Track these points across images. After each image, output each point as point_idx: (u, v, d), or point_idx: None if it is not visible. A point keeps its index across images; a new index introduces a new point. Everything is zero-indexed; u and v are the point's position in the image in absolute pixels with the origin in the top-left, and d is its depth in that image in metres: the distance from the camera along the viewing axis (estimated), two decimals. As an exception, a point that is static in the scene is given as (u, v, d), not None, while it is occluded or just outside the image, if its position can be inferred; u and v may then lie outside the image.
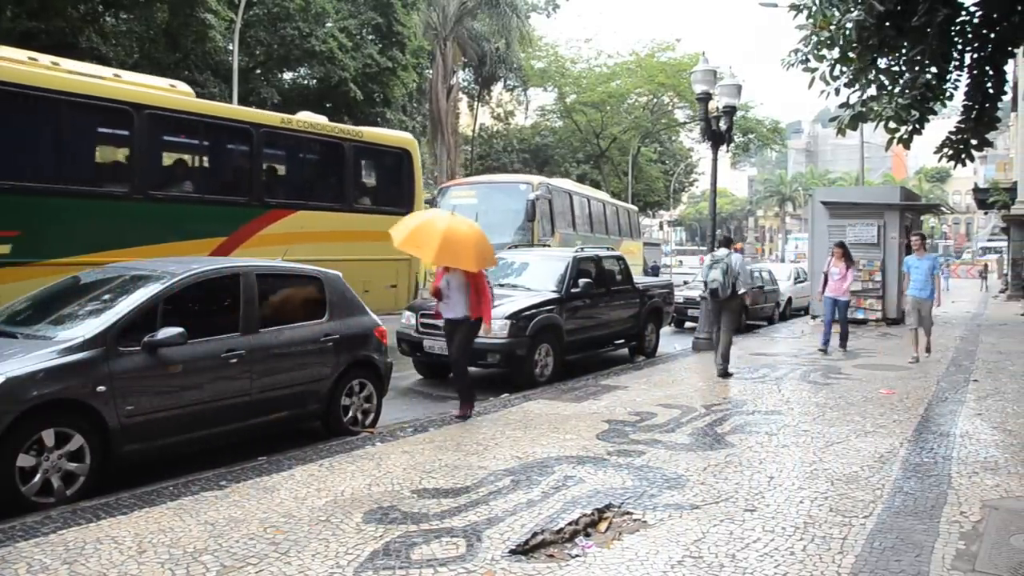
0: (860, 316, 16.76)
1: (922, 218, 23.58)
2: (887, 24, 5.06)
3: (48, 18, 17.32)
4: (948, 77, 5.37)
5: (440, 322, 9.12)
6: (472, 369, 9.93)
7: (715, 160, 12.99)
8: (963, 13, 5.15)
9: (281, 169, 11.13)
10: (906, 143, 5.66)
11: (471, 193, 16.12)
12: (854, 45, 5.14)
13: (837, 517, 4.47)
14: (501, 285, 10.26)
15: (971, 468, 5.55)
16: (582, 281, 10.01)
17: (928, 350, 11.39)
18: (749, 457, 5.80)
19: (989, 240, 66.36)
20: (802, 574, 3.69)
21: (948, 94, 5.52)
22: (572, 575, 3.67)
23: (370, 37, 25.85)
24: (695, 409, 7.55)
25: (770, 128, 44.79)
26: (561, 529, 4.17)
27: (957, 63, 5.36)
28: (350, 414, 6.66)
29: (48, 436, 4.59)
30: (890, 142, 5.65)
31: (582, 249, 11.19)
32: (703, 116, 12.59)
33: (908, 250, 17.21)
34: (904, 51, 5.34)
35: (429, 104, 35.15)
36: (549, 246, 14.49)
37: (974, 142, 5.36)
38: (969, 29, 5.19)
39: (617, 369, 10.26)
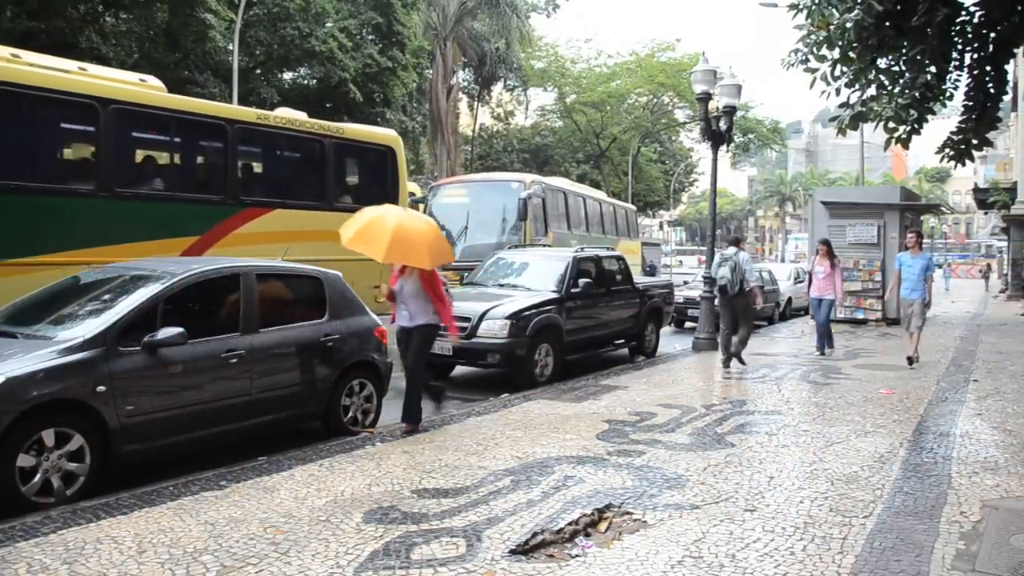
0: (860, 316, 16.78)
1: (922, 218, 23.59)
2: (887, 24, 5.05)
3: (48, 18, 17.32)
4: (948, 77, 5.37)
5: (442, 324, 9.20)
6: (472, 369, 10.02)
7: (715, 160, 12.99)
8: (963, 13, 5.15)
9: (257, 166, 10.79)
10: (904, 143, 5.66)
11: (462, 192, 15.92)
12: (854, 45, 5.14)
13: (837, 517, 4.47)
14: (501, 285, 10.29)
15: (971, 468, 5.55)
16: (582, 281, 10.01)
17: (916, 355, 10.55)
18: (749, 457, 5.80)
19: (991, 235, 66.34)
20: (802, 574, 3.69)
21: (948, 94, 5.51)
22: (572, 575, 3.67)
23: (370, 37, 25.85)
24: (695, 409, 7.55)
25: (770, 128, 44.80)
26: (561, 529, 4.17)
27: (957, 63, 5.36)
28: (350, 414, 6.66)
29: (48, 436, 4.59)
30: (888, 142, 5.65)
31: (582, 249, 11.19)
32: (703, 116, 12.59)
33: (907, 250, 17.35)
34: (904, 51, 5.33)
35: (429, 104, 35.16)
36: (550, 246, 14.41)
37: (975, 142, 5.35)
38: (969, 29, 5.19)
39: (617, 369, 10.26)
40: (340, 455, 5.70)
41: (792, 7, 5.36)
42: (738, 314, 10.30)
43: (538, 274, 10.35)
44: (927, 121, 5.42)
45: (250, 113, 10.30)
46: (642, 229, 54.50)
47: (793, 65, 5.39)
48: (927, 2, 4.77)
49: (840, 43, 5.15)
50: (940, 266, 50.42)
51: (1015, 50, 5.50)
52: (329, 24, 23.96)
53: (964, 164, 5.57)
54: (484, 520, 4.31)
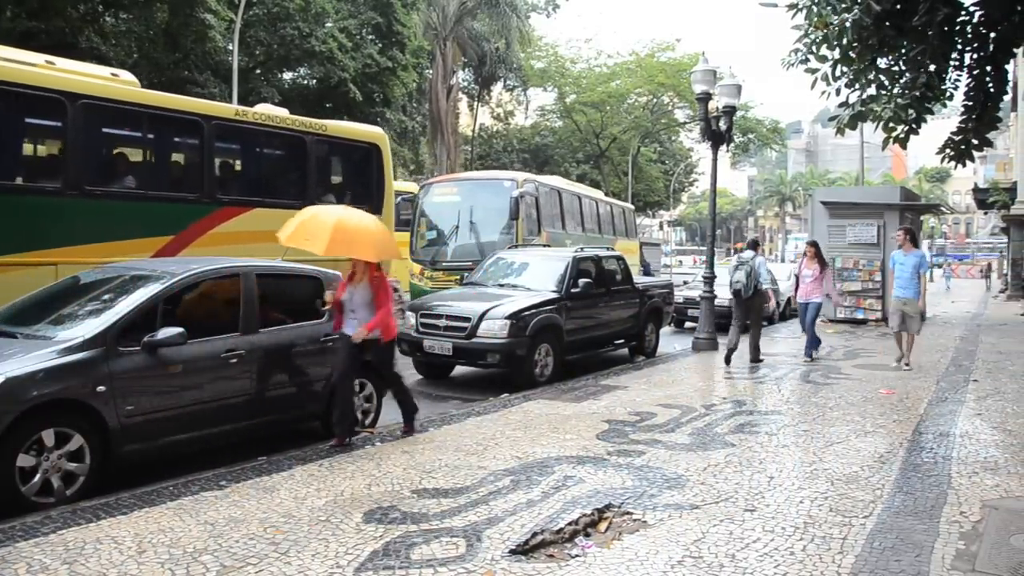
0: (860, 316, 16.78)
1: (922, 218, 23.59)
2: (887, 24, 5.06)
3: (48, 18, 17.32)
4: (947, 77, 5.37)
5: (442, 323, 9.21)
6: (472, 369, 10.03)
7: (715, 160, 12.98)
8: (963, 13, 5.15)
9: (236, 164, 10.52)
10: (902, 143, 5.66)
11: (453, 190, 15.57)
12: (854, 45, 5.14)
13: (837, 517, 4.47)
14: (501, 285, 10.29)
15: (971, 468, 5.55)
16: (582, 281, 10.01)
17: (907, 361, 10.33)
18: (749, 457, 5.80)
19: (991, 234, 66.34)
20: (802, 574, 3.69)
21: (948, 94, 5.52)
22: (572, 575, 3.67)
23: (370, 37, 25.85)
24: (695, 409, 7.55)
25: (770, 128, 44.82)
26: (561, 529, 4.17)
27: (957, 63, 5.36)
28: (350, 414, 6.65)
29: (48, 436, 4.59)
30: (886, 141, 5.65)
31: (582, 249, 11.19)
32: (703, 116, 12.57)
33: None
34: (904, 51, 5.33)
35: (429, 104, 35.17)
36: (547, 246, 14.33)
37: (975, 142, 5.35)
38: (969, 29, 5.19)
39: (617, 369, 10.26)
40: (340, 455, 5.71)
41: (791, 7, 5.36)
42: (750, 313, 10.85)
43: (538, 274, 10.35)
44: (925, 121, 5.42)
45: (227, 109, 10.06)
46: (642, 229, 54.59)
47: (793, 65, 5.40)
48: (928, 2, 4.77)
49: (839, 43, 5.15)
50: (940, 266, 50.57)
51: (1015, 50, 5.50)
52: (329, 24, 23.96)
53: (964, 164, 5.57)
54: (484, 520, 4.31)
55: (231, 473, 5.16)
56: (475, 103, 44.01)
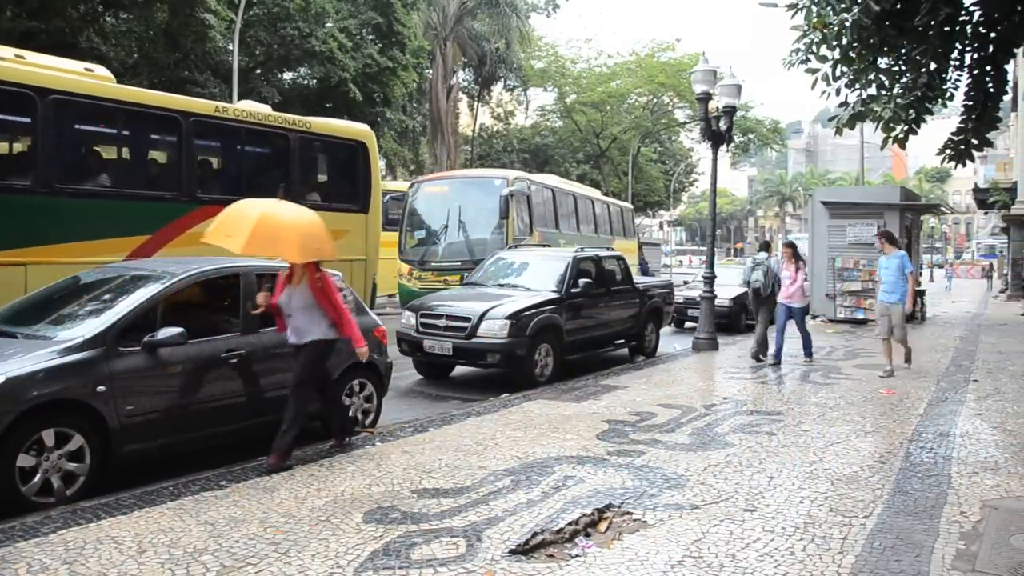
0: (860, 316, 16.78)
1: (922, 218, 23.59)
2: (887, 24, 5.06)
3: (48, 18, 17.32)
4: (948, 77, 5.37)
5: (442, 322, 9.21)
6: (472, 369, 10.02)
7: (715, 160, 12.98)
8: (963, 13, 5.15)
9: (215, 162, 10.35)
10: (901, 143, 5.67)
11: (443, 189, 15.40)
12: (854, 45, 5.14)
13: (837, 517, 4.47)
14: (501, 285, 10.29)
15: (971, 468, 5.55)
16: (582, 281, 10.01)
17: (908, 360, 10.19)
18: (749, 457, 5.80)
19: (991, 236, 66.33)
20: (802, 574, 3.69)
21: (948, 94, 5.52)
22: (572, 575, 3.67)
23: (370, 37, 25.86)
24: (695, 409, 7.55)
25: (770, 128, 44.83)
26: (561, 529, 4.17)
27: (957, 63, 5.36)
28: (350, 414, 6.65)
29: (48, 436, 4.59)
30: (885, 141, 5.65)
31: (582, 249, 11.19)
32: (703, 116, 12.57)
33: (908, 250, 17.37)
34: (904, 51, 5.34)
35: (429, 104, 35.17)
36: (544, 245, 14.24)
37: (975, 142, 5.36)
38: (969, 29, 5.19)
39: (617, 369, 10.26)
40: (340, 455, 5.71)
41: (791, 7, 5.36)
42: (766, 310, 11.26)
43: (538, 274, 10.35)
44: (925, 121, 5.43)
45: (207, 106, 9.81)
46: (642, 229, 54.57)
47: (794, 65, 5.40)
48: (930, 1, 4.77)
49: (838, 43, 5.15)
50: (941, 266, 50.59)
51: (1015, 50, 5.50)
52: (329, 24, 23.96)
53: (964, 164, 5.58)
54: (484, 520, 4.31)
55: (231, 473, 5.16)
56: (475, 103, 44.01)
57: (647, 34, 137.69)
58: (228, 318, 5.89)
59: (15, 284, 7.11)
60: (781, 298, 11.02)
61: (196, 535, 4.05)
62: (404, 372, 9.66)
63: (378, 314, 8.28)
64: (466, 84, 43.22)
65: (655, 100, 42.81)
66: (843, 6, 5.11)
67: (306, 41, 22.63)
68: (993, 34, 5.19)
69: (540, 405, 7.67)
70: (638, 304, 11.60)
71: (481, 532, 4.12)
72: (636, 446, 6.04)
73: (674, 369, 10.45)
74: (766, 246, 12.06)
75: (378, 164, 12.19)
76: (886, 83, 5.49)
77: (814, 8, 5.24)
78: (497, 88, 44.66)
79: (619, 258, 12.02)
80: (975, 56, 5.27)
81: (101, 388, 4.82)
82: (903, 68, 5.45)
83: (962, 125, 5.38)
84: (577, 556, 3.88)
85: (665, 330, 13.48)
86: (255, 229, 5.37)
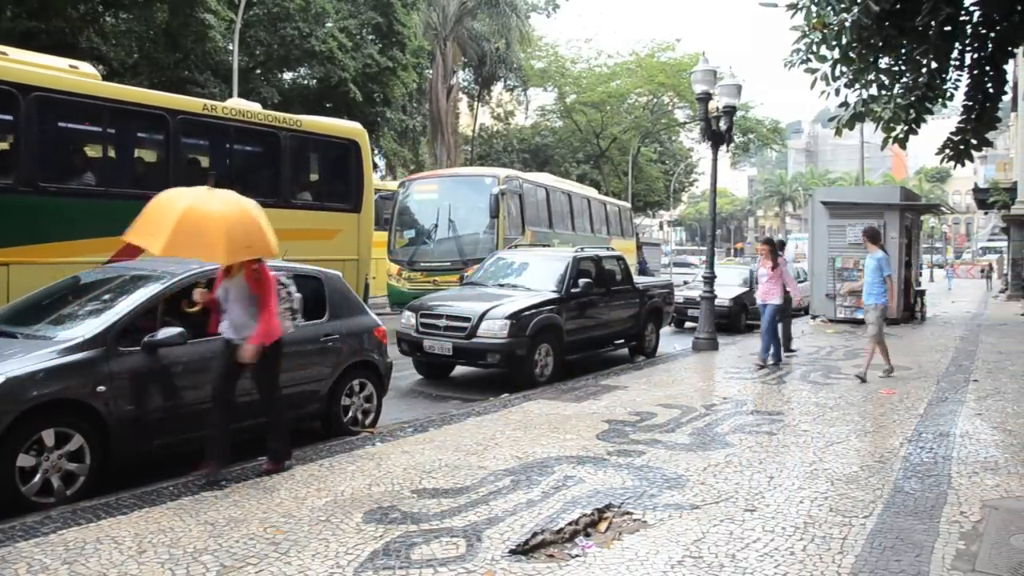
0: (860, 316, 16.75)
1: (922, 218, 23.59)
2: (887, 23, 5.06)
3: (48, 18, 17.31)
4: (947, 76, 5.38)
5: (442, 322, 9.20)
6: (472, 369, 10.02)
7: (715, 160, 12.98)
8: (963, 13, 5.15)
9: (204, 160, 10.24)
10: (902, 143, 5.67)
11: (433, 187, 15.22)
12: (854, 45, 5.14)
13: (837, 517, 4.47)
14: (501, 285, 10.29)
15: (971, 468, 5.55)
16: (582, 281, 10.01)
17: (887, 368, 9.68)
18: (749, 457, 5.80)
19: (989, 240, 66.41)
20: (802, 574, 3.69)
21: (948, 94, 5.52)
22: (572, 575, 3.67)
23: (370, 37, 25.85)
24: (695, 409, 7.55)
25: (770, 128, 44.84)
26: (561, 529, 4.17)
27: (957, 63, 5.36)
28: (350, 414, 6.66)
29: (48, 436, 4.59)
30: (885, 141, 5.66)
31: (582, 249, 11.20)
32: (703, 116, 12.57)
33: (908, 250, 17.39)
34: (905, 50, 5.34)
35: (429, 104, 35.16)
36: (548, 246, 14.17)
37: (974, 142, 5.36)
38: (969, 29, 5.20)
39: (617, 369, 10.26)
40: (340, 455, 5.71)
41: (791, 7, 5.36)
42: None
43: (538, 274, 10.35)
44: (925, 121, 5.43)
45: (195, 103, 9.71)
46: (642, 229, 54.52)
47: (794, 65, 5.40)
48: (931, 1, 4.77)
49: (837, 43, 5.15)
50: (941, 266, 50.61)
51: (1015, 50, 5.50)
52: (329, 24, 23.95)
53: (964, 164, 5.58)
54: (484, 520, 4.31)
55: (231, 473, 5.16)
56: (475, 103, 44.01)
57: (647, 34, 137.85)
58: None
59: None
60: (759, 297, 10.86)
61: (196, 535, 4.06)
62: (404, 372, 9.67)
63: (377, 314, 8.27)
64: (466, 84, 43.23)
65: (655, 100, 42.81)
66: (843, 6, 5.11)
67: (306, 41, 22.63)
68: (993, 34, 5.19)
69: (540, 405, 7.67)
70: (638, 304, 11.60)
71: (481, 532, 4.12)
72: (636, 446, 6.05)
73: (674, 369, 10.45)
74: (780, 245, 12.40)
75: (371, 163, 12.05)
76: (886, 83, 5.49)
77: (814, 8, 5.25)
78: (497, 88, 44.68)
79: (619, 258, 12.02)
80: (975, 56, 5.28)
81: (101, 388, 4.82)
82: (903, 68, 5.46)
83: (961, 125, 5.38)
84: (577, 556, 3.88)
85: (665, 330, 13.48)
86: (177, 226, 4.69)
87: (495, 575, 3.63)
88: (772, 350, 10.63)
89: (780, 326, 11.09)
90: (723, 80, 12.65)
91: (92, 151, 9.08)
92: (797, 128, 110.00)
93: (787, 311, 11.48)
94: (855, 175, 54.52)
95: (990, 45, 5.21)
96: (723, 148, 13.15)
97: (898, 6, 5.03)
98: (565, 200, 17.79)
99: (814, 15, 5.22)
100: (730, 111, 12.55)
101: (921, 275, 22.30)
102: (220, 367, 5.20)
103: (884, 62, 5.50)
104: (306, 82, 26.54)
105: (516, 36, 36.03)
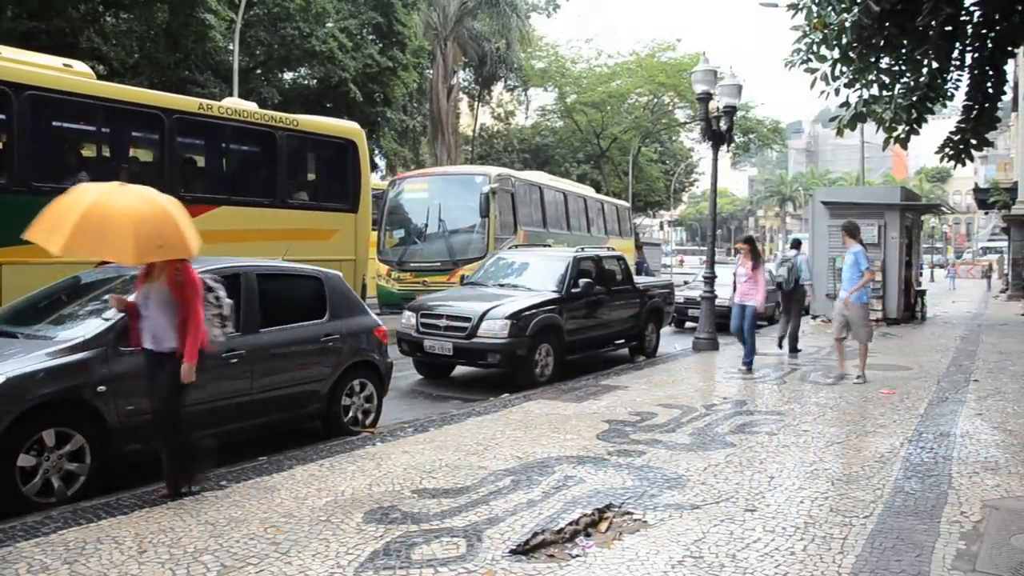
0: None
1: (923, 218, 23.58)
2: (888, 23, 5.06)
3: (48, 18, 17.32)
4: (948, 76, 5.38)
5: (442, 322, 9.20)
6: (472, 369, 10.02)
7: (715, 160, 12.97)
8: (963, 13, 5.15)
9: (200, 160, 10.22)
10: (903, 143, 5.67)
11: (423, 186, 14.96)
12: (854, 45, 5.15)
13: (837, 517, 4.47)
14: (501, 285, 10.29)
15: (971, 468, 5.54)
16: (582, 281, 10.02)
17: (860, 373, 9.24)
18: (749, 457, 5.80)
19: (990, 240, 66.41)
20: (802, 574, 3.69)
21: (948, 94, 5.52)
22: (572, 575, 3.67)
23: (370, 37, 25.85)
24: (695, 409, 7.55)
25: (770, 128, 44.80)
26: (561, 529, 4.17)
27: (957, 63, 5.37)
28: (350, 414, 6.66)
29: (48, 436, 4.59)
30: (887, 141, 5.66)
31: (582, 249, 11.20)
32: (703, 116, 12.56)
33: (908, 250, 17.38)
34: (905, 50, 5.34)
35: (429, 104, 35.17)
36: (545, 246, 14.02)
37: (974, 142, 5.36)
38: (969, 29, 5.20)
39: (617, 369, 10.26)
40: (340, 455, 5.71)
41: (791, 7, 5.37)
42: (791, 305, 12.02)
43: (538, 274, 10.35)
44: (926, 121, 5.43)
45: (190, 103, 9.65)
46: (642, 229, 54.47)
47: (795, 65, 5.40)
48: (932, 1, 4.77)
49: (838, 43, 5.15)
50: (942, 266, 50.62)
51: (1015, 50, 5.50)
52: (329, 24, 23.95)
53: (963, 164, 5.59)
54: (484, 520, 4.31)
55: (231, 473, 5.16)
56: (475, 103, 44.01)
57: (648, 34, 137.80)
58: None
59: None
60: (736, 297, 10.13)
61: (197, 535, 4.06)
62: (404, 372, 9.67)
63: (377, 314, 8.27)
64: (466, 84, 43.23)
65: (655, 100, 42.79)
66: (843, 6, 5.11)
67: (306, 41, 22.63)
68: (993, 34, 5.19)
69: (540, 405, 7.67)
70: (638, 304, 11.60)
71: (481, 532, 4.12)
72: (636, 446, 6.04)
73: (674, 369, 10.45)
74: (797, 244, 13.08)
75: (368, 163, 12.00)
76: (887, 83, 5.49)
77: (814, 8, 5.25)
78: (497, 88, 44.67)
79: (619, 258, 12.02)
80: (975, 56, 5.28)
81: (102, 388, 4.82)
82: (904, 68, 5.46)
83: (961, 125, 5.38)
84: (577, 556, 3.88)
85: (665, 330, 13.48)
86: (79, 223, 4.25)
87: (495, 575, 3.63)
88: (748, 356, 9.93)
89: (797, 320, 11.99)
90: (723, 80, 12.65)
91: (87, 151, 9.05)
92: (798, 128, 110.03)
93: (801, 306, 12.11)
94: (855, 175, 54.49)
95: (990, 45, 5.21)
96: (723, 148, 13.16)
97: (898, 6, 5.03)
98: (560, 199, 17.53)
99: (815, 15, 5.23)
100: (730, 111, 12.55)
101: (921, 275, 22.28)
102: (149, 385, 4.73)
103: (885, 62, 5.50)
104: (306, 82, 26.54)
105: (516, 36, 36.03)
